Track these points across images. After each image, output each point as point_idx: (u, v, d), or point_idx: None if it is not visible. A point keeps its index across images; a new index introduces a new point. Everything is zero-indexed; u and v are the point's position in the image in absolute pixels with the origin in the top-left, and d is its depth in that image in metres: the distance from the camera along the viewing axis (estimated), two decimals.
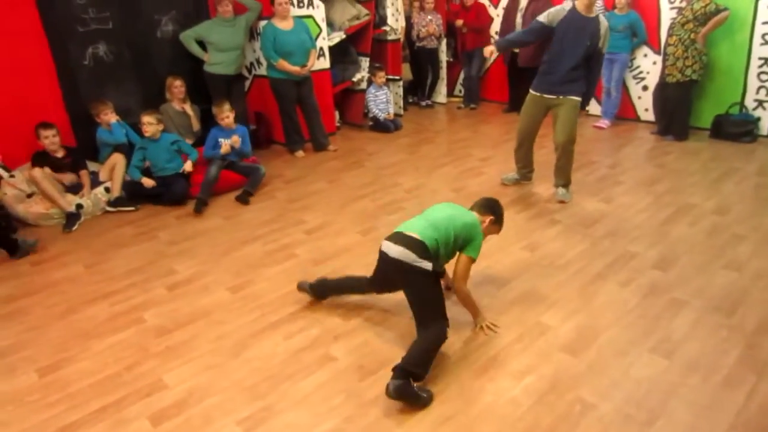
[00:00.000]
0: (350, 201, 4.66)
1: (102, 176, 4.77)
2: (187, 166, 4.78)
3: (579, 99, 4.30)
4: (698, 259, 3.44)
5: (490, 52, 4.56)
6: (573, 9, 4.14)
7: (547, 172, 5.04)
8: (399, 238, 2.66)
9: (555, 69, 4.25)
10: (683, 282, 3.19)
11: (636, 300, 3.05)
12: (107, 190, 4.70)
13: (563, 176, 4.48)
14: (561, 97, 4.28)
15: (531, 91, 4.46)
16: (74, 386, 2.59)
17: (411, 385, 2.35)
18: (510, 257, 3.59)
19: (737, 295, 3.03)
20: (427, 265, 2.58)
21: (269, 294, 3.30)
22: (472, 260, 2.75)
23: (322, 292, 3.14)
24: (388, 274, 2.76)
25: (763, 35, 5.48)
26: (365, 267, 3.48)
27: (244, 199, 4.73)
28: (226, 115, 4.90)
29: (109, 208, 4.67)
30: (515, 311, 3.01)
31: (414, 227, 2.69)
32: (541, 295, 3.15)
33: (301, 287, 3.16)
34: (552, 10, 4.24)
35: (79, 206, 4.50)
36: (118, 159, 4.76)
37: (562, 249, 3.67)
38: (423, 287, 2.62)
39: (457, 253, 2.78)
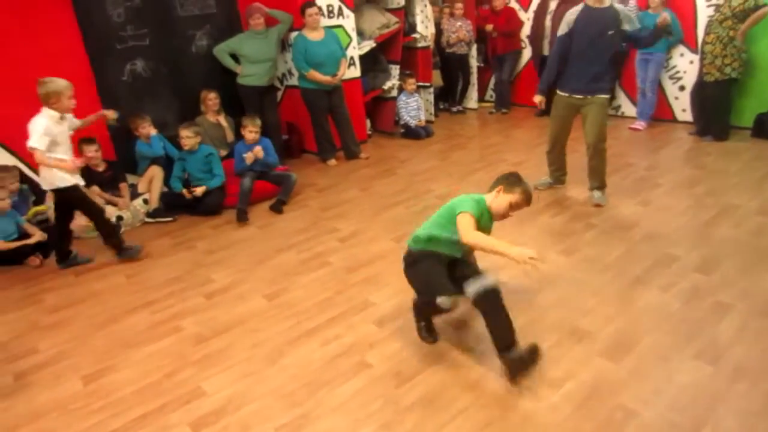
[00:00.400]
0: (383, 208, 4.67)
1: (141, 188, 4.90)
2: (198, 191, 4.78)
3: (607, 97, 4.25)
4: (743, 261, 3.33)
5: (540, 101, 4.57)
6: (585, 6, 4.12)
7: (582, 176, 4.96)
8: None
9: (580, 68, 4.22)
10: (727, 285, 3.09)
11: (678, 304, 2.96)
12: (146, 201, 4.83)
13: (597, 178, 4.41)
14: (589, 97, 4.23)
15: (558, 92, 4.42)
16: (116, 394, 2.65)
17: (510, 359, 2.44)
18: (546, 262, 3.53)
19: None
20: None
21: (304, 301, 3.32)
22: (464, 215, 2.64)
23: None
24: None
25: None
26: (398, 273, 3.47)
27: (278, 209, 4.79)
28: (249, 130, 4.94)
29: (147, 219, 4.80)
30: (552, 317, 2.96)
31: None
32: (579, 300, 3.09)
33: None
34: (564, 18, 4.24)
35: (120, 218, 4.63)
36: (155, 171, 4.89)
37: (599, 253, 3.60)
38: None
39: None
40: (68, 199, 3.89)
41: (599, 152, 4.31)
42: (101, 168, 4.78)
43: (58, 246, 4.11)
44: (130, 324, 3.26)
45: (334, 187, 5.36)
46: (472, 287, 2.53)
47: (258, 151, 4.93)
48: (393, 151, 6.40)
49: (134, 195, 4.86)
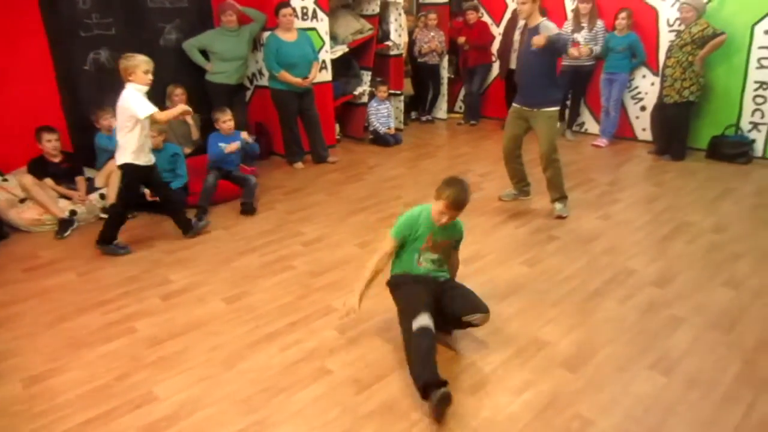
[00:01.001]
0: (349, 214, 4.64)
1: (98, 182, 4.74)
2: (148, 194, 4.61)
3: (554, 110, 4.34)
4: (697, 276, 3.43)
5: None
6: (525, 25, 4.29)
7: (545, 188, 5.05)
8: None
9: (520, 82, 4.40)
10: (682, 299, 3.18)
11: (635, 317, 3.02)
12: (102, 196, 4.67)
13: (556, 189, 4.49)
14: (534, 110, 4.33)
15: (513, 103, 4.54)
16: (62, 396, 2.54)
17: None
18: (509, 272, 3.57)
19: (735, 313, 3.02)
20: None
21: (265, 305, 3.26)
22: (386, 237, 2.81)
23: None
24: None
25: (759, 59, 5.54)
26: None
27: (249, 211, 4.71)
28: (228, 117, 4.87)
29: (104, 215, 4.63)
30: (513, 326, 2.98)
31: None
32: (540, 310, 3.12)
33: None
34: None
35: (73, 213, 4.47)
36: (115, 166, 4.72)
37: (561, 265, 3.65)
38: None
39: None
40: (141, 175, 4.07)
41: (551, 164, 4.40)
42: (58, 159, 4.62)
43: (179, 218, 4.27)
44: (81, 324, 3.13)
45: (300, 190, 5.30)
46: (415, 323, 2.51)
47: (246, 136, 4.90)
48: (361, 157, 6.38)
49: (91, 189, 4.69)
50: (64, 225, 4.36)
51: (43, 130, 4.52)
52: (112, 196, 4.65)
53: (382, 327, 3.00)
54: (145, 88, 3.90)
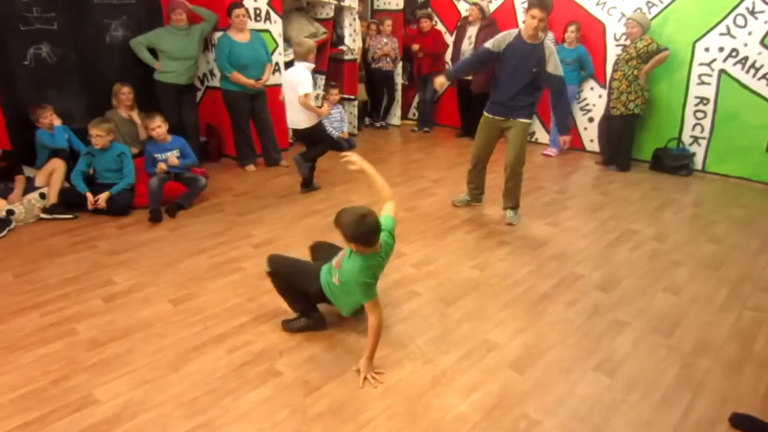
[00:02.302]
0: (301, 217, 4.60)
1: (38, 181, 4.53)
2: (102, 199, 4.45)
3: (528, 122, 4.40)
4: (639, 282, 3.55)
5: (441, 83, 4.56)
6: (519, 36, 4.20)
7: (498, 195, 5.14)
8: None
9: (503, 93, 4.35)
10: (625, 303, 3.28)
11: (580, 320, 3.10)
12: (43, 196, 4.47)
13: (512, 199, 4.57)
14: (510, 119, 4.37)
15: (484, 113, 4.54)
16: None
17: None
18: (459, 276, 3.60)
19: (675, 317, 3.14)
20: None
21: (213, 307, 3.18)
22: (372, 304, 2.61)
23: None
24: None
25: (700, 75, 5.81)
26: None
27: (171, 212, 4.56)
28: (157, 125, 4.67)
29: (44, 216, 4.44)
30: (463, 328, 3.01)
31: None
32: (489, 313, 3.17)
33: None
34: (499, 36, 4.31)
35: (10, 212, 4.26)
36: (57, 164, 4.55)
37: (510, 269, 3.71)
38: None
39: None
40: (312, 135, 5.08)
41: (516, 175, 4.47)
42: None
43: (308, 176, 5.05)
44: (17, 326, 2.98)
45: (251, 192, 5.22)
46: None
47: (172, 161, 4.71)
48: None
49: (31, 189, 4.48)
50: (0, 225, 4.14)
51: None
52: (53, 196, 4.47)
53: (334, 328, 2.97)
54: (313, 67, 4.97)
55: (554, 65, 4.15)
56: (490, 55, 4.31)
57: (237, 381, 2.55)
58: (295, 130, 5.27)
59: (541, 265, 3.79)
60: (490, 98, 4.49)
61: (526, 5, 6.53)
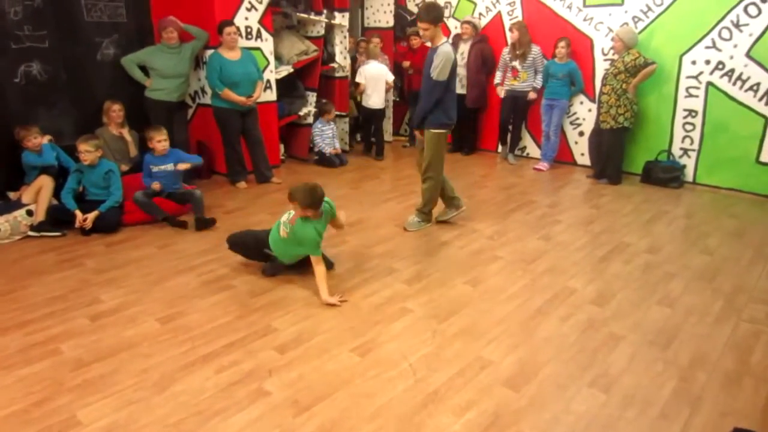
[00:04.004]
0: None
1: (25, 198, 4.45)
2: (89, 219, 4.40)
3: (436, 132, 4.40)
4: (633, 295, 3.52)
5: (418, 136, 4.65)
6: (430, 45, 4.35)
7: (491, 209, 5.15)
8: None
9: (418, 100, 4.53)
10: (620, 317, 3.25)
11: (575, 335, 3.06)
12: (30, 213, 4.40)
13: (422, 201, 4.63)
14: (423, 130, 4.48)
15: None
16: None
17: None
18: (452, 291, 3.56)
19: (671, 330, 3.10)
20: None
21: (202, 326, 3.12)
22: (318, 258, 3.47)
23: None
24: None
25: (687, 88, 5.85)
26: (304, 299, 3.43)
27: (206, 225, 4.61)
28: (163, 138, 4.72)
29: (31, 233, 4.37)
30: (456, 345, 2.96)
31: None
32: (483, 329, 3.12)
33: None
34: None
35: None
36: (45, 181, 4.49)
37: (503, 284, 3.68)
38: None
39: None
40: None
41: (427, 179, 4.55)
42: None
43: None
44: None
45: (242, 210, 5.18)
46: None
47: (183, 165, 4.82)
48: (305, 178, 6.28)
49: (18, 206, 4.42)
50: None
51: None
52: (41, 213, 4.42)
53: (323, 347, 2.92)
54: None
55: (436, 68, 4.18)
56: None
57: (225, 401, 2.49)
58: (369, 110, 7.10)
59: (534, 279, 3.76)
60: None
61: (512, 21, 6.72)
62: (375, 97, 6.99)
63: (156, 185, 4.66)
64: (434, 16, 4.15)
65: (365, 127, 7.62)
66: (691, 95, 5.85)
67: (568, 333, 3.08)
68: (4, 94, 4.79)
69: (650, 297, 3.50)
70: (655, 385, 2.63)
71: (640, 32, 5.96)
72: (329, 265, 3.80)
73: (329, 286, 3.43)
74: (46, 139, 4.71)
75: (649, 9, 5.93)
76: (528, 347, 2.95)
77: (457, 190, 4.85)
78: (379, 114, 7.21)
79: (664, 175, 5.97)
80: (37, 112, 4.98)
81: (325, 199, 3.55)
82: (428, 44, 4.33)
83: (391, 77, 7.07)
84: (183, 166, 4.82)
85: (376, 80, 6.93)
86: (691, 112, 5.88)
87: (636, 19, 6.03)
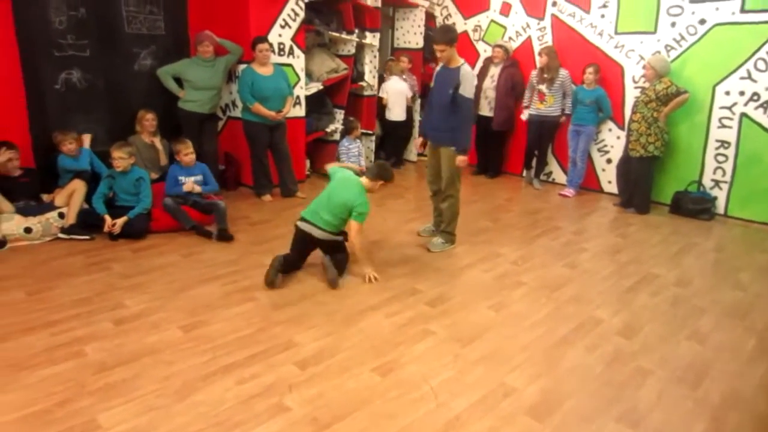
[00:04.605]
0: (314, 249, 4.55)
1: (58, 201, 4.55)
2: (118, 224, 4.48)
3: (453, 148, 4.46)
4: (662, 329, 3.44)
5: (421, 143, 4.89)
6: (443, 64, 4.45)
7: (516, 234, 5.10)
8: (319, 226, 3.93)
9: (429, 119, 4.63)
10: (648, 351, 3.17)
11: (601, 367, 2.99)
12: (61, 215, 4.48)
13: (443, 222, 4.70)
14: (439, 147, 4.55)
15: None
16: None
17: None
18: (475, 315, 3.52)
19: (701, 367, 3.01)
20: (339, 237, 4.04)
21: (224, 336, 3.12)
22: (359, 224, 3.87)
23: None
24: (309, 245, 4.01)
25: (720, 119, 5.77)
26: (326, 315, 3.42)
27: (226, 237, 4.62)
28: (189, 150, 4.81)
29: (61, 235, 4.45)
30: (479, 371, 2.91)
31: (326, 223, 3.91)
32: (506, 355, 3.07)
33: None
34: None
35: (28, 230, 4.30)
36: (77, 185, 4.57)
37: (527, 311, 3.62)
38: (338, 245, 4.04)
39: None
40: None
41: (447, 198, 4.61)
42: (16, 174, 4.46)
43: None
44: (25, 344, 2.94)
45: (266, 222, 5.21)
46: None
47: (191, 185, 4.80)
48: None
49: (51, 208, 4.50)
50: None
51: (3, 145, 4.38)
52: (72, 216, 4.49)
53: (344, 365, 2.89)
54: None
55: (465, 86, 4.28)
56: (431, 90, 4.64)
57: (244, 414, 2.47)
58: (392, 122, 7.56)
59: (558, 307, 3.69)
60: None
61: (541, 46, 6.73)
62: (396, 111, 7.46)
63: (190, 184, 4.73)
64: (449, 37, 4.28)
65: (388, 141, 7.81)
66: (724, 126, 5.76)
67: (594, 364, 3.01)
68: (44, 99, 4.92)
69: (679, 332, 3.41)
70: (685, 424, 2.55)
71: (673, 61, 5.91)
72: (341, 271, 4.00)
73: (354, 303, 3.42)
74: (87, 139, 4.80)
75: (683, 38, 5.89)
76: (552, 377, 2.89)
77: (481, 213, 4.83)
78: (401, 126, 7.67)
79: (694, 206, 5.86)
80: (75, 117, 5.09)
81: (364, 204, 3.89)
82: (461, 61, 4.41)
83: (410, 93, 7.50)
84: (197, 189, 4.83)
85: (397, 95, 7.39)
86: (724, 143, 5.78)
87: (668, 48, 5.99)
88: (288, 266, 3.91)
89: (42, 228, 4.37)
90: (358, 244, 3.88)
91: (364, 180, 4.05)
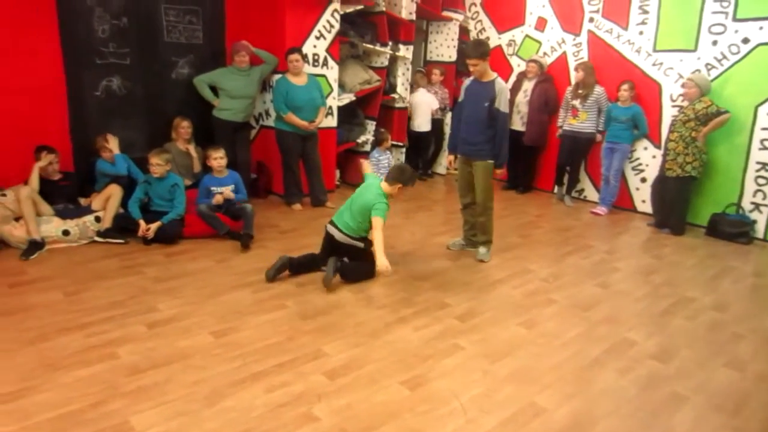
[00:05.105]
0: None
1: (95, 205, 4.66)
2: (152, 229, 4.55)
3: (489, 162, 4.49)
4: (698, 354, 3.35)
5: (449, 160, 4.98)
6: (474, 78, 4.49)
7: (543, 251, 5.05)
8: (340, 228, 4.13)
9: (464, 133, 4.58)
10: (683, 376, 3.08)
11: (635, 390, 2.92)
12: (98, 219, 4.58)
13: (484, 234, 4.72)
14: (473, 161, 4.55)
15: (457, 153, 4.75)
16: (32, 419, 2.39)
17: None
18: (506, 332, 3.47)
19: (740, 396, 2.92)
20: (360, 243, 4.14)
21: (254, 343, 3.14)
22: (379, 218, 3.93)
23: (292, 267, 4.08)
24: (334, 248, 4.15)
25: (762, 140, 5.63)
26: (355, 326, 3.40)
27: (245, 242, 4.65)
28: (220, 155, 4.85)
29: (97, 239, 4.55)
30: (509, 389, 2.87)
31: (345, 225, 4.10)
32: (536, 374, 3.02)
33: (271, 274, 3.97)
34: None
35: (66, 232, 4.40)
36: (114, 190, 4.67)
37: (558, 330, 3.56)
38: (359, 252, 4.15)
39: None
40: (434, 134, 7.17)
41: (486, 211, 4.66)
42: (56, 177, 4.58)
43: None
44: (61, 344, 3.00)
45: (296, 231, 5.24)
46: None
47: (228, 192, 4.84)
48: None
49: (88, 211, 4.61)
50: (33, 247, 4.21)
51: (44, 149, 4.52)
52: (107, 220, 4.59)
53: (373, 377, 2.88)
54: None
55: (501, 101, 4.35)
56: (459, 107, 4.66)
57: (273, 422, 2.47)
58: (417, 132, 7.67)
59: (590, 327, 3.63)
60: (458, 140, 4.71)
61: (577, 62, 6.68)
62: (420, 121, 7.59)
63: (219, 198, 4.78)
64: (481, 51, 4.34)
65: (413, 151, 7.90)
66: (765, 147, 5.62)
67: (628, 387, 2.94)
68: (85, 105, 5.07)
69: (716, 358, 3.31)
70: None
71: (713, 80, 5.80)
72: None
73: (383, 315, 3.42)
74: (114, 141, 4.88)
75: (724, 57, 5.78)
76: (584, 398, 2.83)
77: (511, 229, 4.80)
78: (425, 136, 7.81)
79: (732, 229, 5.72)
80: (113, 124, 5.22)
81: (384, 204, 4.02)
82: (493, 75, 4.46)
83: (435, 105, 7.57)
84: (230, 195, 4.87)
85: (421, 106, 7.53)
86: (765, 166, 5.64)
87: (709, 67, 5.89)
88: (307, 266, 4.15)
89: (79, 231, 4.47)
90: (378, 238, 3.88)
91: (383, 184, 4.14)
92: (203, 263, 4.29)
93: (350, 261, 4.11)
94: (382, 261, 3.77)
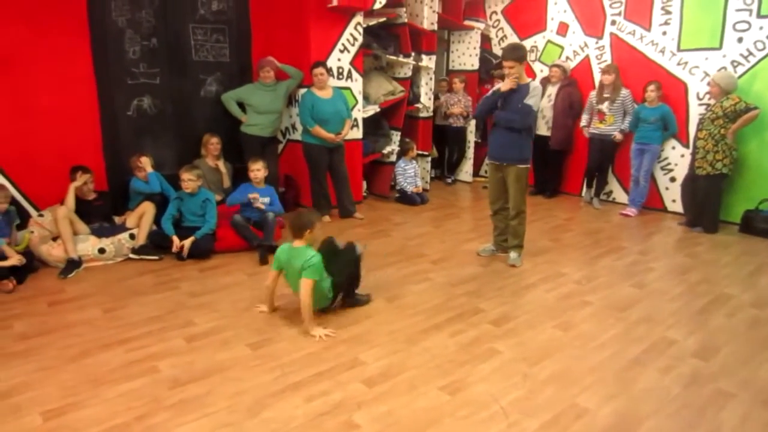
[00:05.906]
0: (375, 268, 4.56)
1: (129, 223, 4.77)
2: (186, 245, 4.62)
3: (523, 167, 4.49)
4: (741, 350, 3.27)
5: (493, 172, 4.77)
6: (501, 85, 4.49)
7: (574, 254, 5.00)
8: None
9: (495, 136, 4.60)
10: (727, 373, 3.01)
11: (678, 389, 2.87)
12: (132, 237, 4.68)
13: (516, 238, 4.69)
14: (505, 165, 4.55)
15: (487, 158, 4.64)
16: None
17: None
18: (542, 335, 3.44)
19: None
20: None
21: (290, 354, 3.16)
22: (310, 280, 3.37)
23: None
24: None
25: None
26: (388, 334, 3.42)
27: (262, 253, 4.69)
28: (258, 167, 4.97)
29: (132, 256, 4.64)
30: (549, 391, 2.84)
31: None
32: (576, 376, 2.98)
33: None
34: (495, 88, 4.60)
35: (101, 251, 4.50)
36: (147, 207, 4.78)
37: (595, 331, 3.52)
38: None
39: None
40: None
41: (519, 216, 4.64)
42: (91, 197, 4.70)
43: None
44: (103, 360, 3.06)
45: None
46: None
47: (262, 199, 4.97)
48: (387, 214, 6.38)
49: (122, 229, 4.72)
50: (70, 266, 4.30)
51: (79, 169, 4.64)
52: (142, 237, 4.68)
53: (412, 383, 2.88)
54: None
55: (536, 101, 4.39)
56: (495, 97, 4.53)
57: (315, 431, 2.49)
58: (456, 128, 7.78)
59: (628, 328, 3.57)
60: (489, 145, 4.74)
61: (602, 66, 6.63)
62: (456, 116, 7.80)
63: (254, 194, 4.89)
64: (518, 54, 4.36)
65: (448, 146, 8.16)
66: None
67: (670, 386, 2.89)
68: (117, 125, 5.21)
69: (760, 354, 3.24)
70: None
71: (740, 77, 5.71)
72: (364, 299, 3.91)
73: (417, 322, 3.42)
74: (148, 164, 4.98)
75: (750, 53, 5.70)
76: (626, 398, 2.78)
77: (540, 233, 4.77)
78: (461, 130, 7.98)
79: (766, 225, 5.59)
80: (145, 142, 5.36)
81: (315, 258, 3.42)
82: (528, 80, 4.49)
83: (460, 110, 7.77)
84: (265, 201, 4.98)
85: (455, 102, 7.76)
86: None
87: (735, 63, 5.80)
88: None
89: (114, 249, 4.57)
90: (306, 301, 3.37)
91: (295, 243, 3.54)
92: (236, 277, 4.35)
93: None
94: (317, 330, 3.38)
